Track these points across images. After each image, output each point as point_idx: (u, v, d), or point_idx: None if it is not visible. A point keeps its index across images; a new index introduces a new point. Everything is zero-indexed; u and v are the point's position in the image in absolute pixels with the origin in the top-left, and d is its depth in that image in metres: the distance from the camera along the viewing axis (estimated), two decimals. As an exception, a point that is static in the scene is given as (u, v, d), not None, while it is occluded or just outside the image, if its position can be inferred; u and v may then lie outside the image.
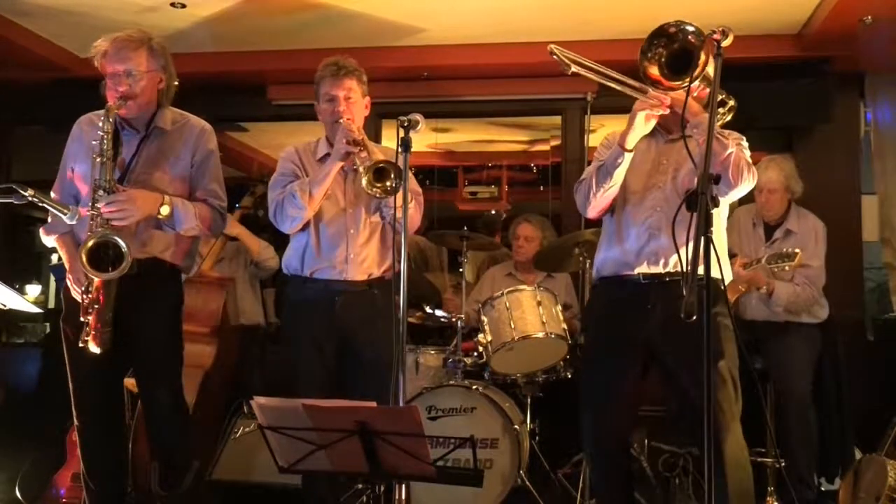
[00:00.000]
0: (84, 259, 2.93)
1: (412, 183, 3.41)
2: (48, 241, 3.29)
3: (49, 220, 3.28)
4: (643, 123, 2.94)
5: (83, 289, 3.04)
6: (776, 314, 4.22)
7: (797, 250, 3.83)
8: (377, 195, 3.07)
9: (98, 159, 3.03)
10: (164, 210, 3.11)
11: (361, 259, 3.34)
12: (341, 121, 3.28)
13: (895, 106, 5.41)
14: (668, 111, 2.91)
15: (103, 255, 2.96)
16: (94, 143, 3.04)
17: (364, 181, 3.04)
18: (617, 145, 2.99)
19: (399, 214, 3.28)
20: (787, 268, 3.85)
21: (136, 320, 3.17)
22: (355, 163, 3.14)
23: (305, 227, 3.37)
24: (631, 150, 2.97)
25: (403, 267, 2.85)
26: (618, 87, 2.91)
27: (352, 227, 3.35)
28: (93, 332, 3.03)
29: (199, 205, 3.25)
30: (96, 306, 3.01)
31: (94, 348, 3.04)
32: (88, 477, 3.23)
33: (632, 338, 3.02)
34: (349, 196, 3.39)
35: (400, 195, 2.96)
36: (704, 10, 4.09)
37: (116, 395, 3.35)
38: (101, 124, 3.04)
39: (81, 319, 3.04)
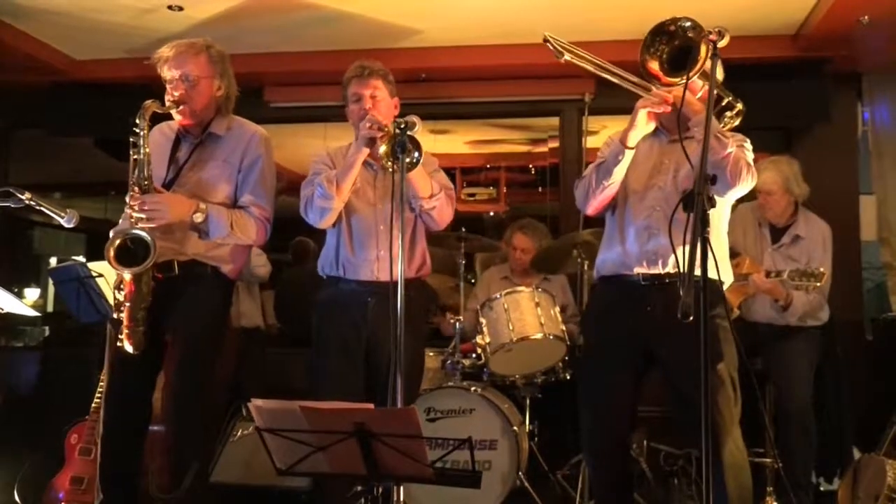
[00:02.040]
0: (111, 256, 2.94)
1: (442, 177, 3.42)
2: None
3: (119, 223, 3.26)
4: (645, 121, 2.94)
5: (116, 285, 3.05)
6: (780, 318, 4.19)
7: (822, 269, 3.78)
8: (393, 169, 3.02)
9: (134, 157, 3.04)
10: (198, 217, 3.11)
11: (393, 257, 3.32)
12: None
13: (893, 106, 5.42)
14: (670, 109, 2.90)
15: (133, 253, 2.97)
16: (131, 139, 3.05)
17: (381, 151, 3.02)
18: (618, 142, 2.99)
19: (427, 206, 3.28)
20: (811, 287, 3.82)
21: (172, 321, 3.16)
22: (384, 165, 3.09)
23: (337, 225, 3.37)
24: (632, 148, 2.97)
25: (401, 268, 2.85)
26: (615, 81, 2.90)
27: (382, 224, 3.34)
28: (126, 331, 3.04)
29: (238, 213, 3.23)
30: (127, 304, 3.01)
31: (129, 347, 3.04)
32: (102, 484, 3.22)
33: (631, 339, 3.02)
34: (379, 192, 3.38)
35: (420, 181, 2.98)
36: (702, 11, 4.06)
37: (146, 407, 3.29)
38: (138, 122, 3.05)
39: (114, 316, 3.05)
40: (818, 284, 3.77)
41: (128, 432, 3.25)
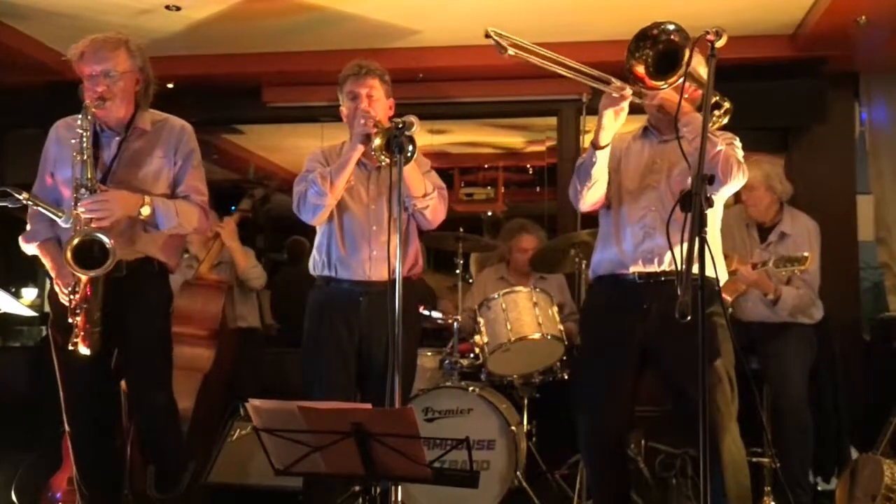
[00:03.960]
0: (69, 258, 2.93)
1: (435, 177, 3.43)
2: (29, 248, 3.27)
3: (28, 227, 3.27)
4: (613, 119, 2.94)
5: (69, 290, 3.03)
6: (773, 315, 4.21)
7: (806, 254, 3.82)
8: (387, 163, 3.00)
9: (78, 157, 3.03)
10: (145, 210, 3.12)
11: (385, 256, 3.31)
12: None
13: (890, 106, 5.42)
14: (628, 99, 2.89)
15: (88, 254, 2.97)
16: (73, 141, 3.04)
17: (376, 143, 3.01)
18: (590, 144, 3.01)
19: (420, 205, 3.29)
20: (796, 271, 3.85)
21: (127, 321, 3.17)
22: (377, 158, 3.07)
23: (329, 223, 3.37)
24: (604, 148, 2.98)
25: (399, 267, 2.85)
26: (569, 75, 2.87)
27: (375, 224, 3.34)
28: (82, 334, 3.03)
29: (181, 202, 3.25)
30: (84, 306, 3.01)
31: (83, 350, 3.03)
32: (82, 483, 3.22)
33: (627, 338, 3.03)
34: (372, 193, 3.38)
35: (413, 179, 3.00)
36: (699, 11, 4.09)
37: (108, 400, 3.33)
38: (79, 123, 3.04)
39: (69, 321, 3.04)
40: (803, 268, 3.79)
41: (99, 435, 3.28)
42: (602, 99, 2.93)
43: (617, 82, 2.87)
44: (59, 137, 3.28)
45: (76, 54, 3.15)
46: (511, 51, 2.78)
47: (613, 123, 2.95)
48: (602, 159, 3.00)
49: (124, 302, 3.14)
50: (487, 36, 2.77)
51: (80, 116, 3.09)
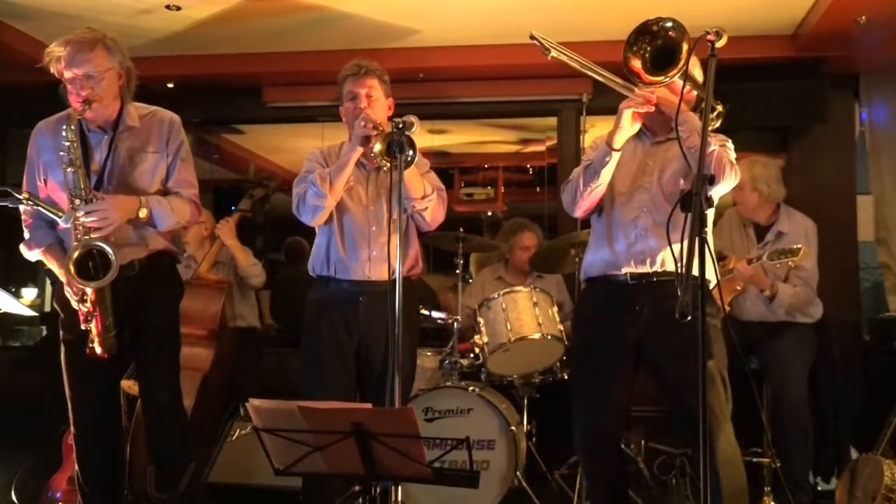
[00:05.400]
0: (72, 270, 2.91)
1: (434, 178, 3.42)
2: (32, 255, 3.23)
3: (28, 234, 3.23)
4: (630, 122, 2.95)
5: (79, 298, 3.02)
6: (771, 315, 4.21)
7: (799, 245, 3.82)
8: (387, 168, 2.99)
9: (69, 169, 2.98)
10: (143, 213, 3.10)
11: (385, 257, 3.31)
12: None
13: (890, 106, 5.43)
14: (653, 109, 2.91)
15: (91, 263, 2.95)
16: (61, 153, 3.00)
17: (377, 149, 3.00)
18: (605, 144, 3.00)
19: (419, 206, 3.29)
20: (790, 263, 3.85)
21: (143, 319, 3.17)
22: (378, 162, 3.06)
23: (328, 224, 3.37)
24: (618, 150, 2.98)
25: (399, 268, 2.85)
26: (600, 80, 2.91)
27: (374, 225, 3.34)
28: (98, 340, 3.02)
29: (174, 198, 3.23)
30: (95, 314, 3.00)
31: (99, 351, 3.04)
32: (83, 482, 3.22)
33: (621, 338, 3.02)
34: (371, 194, 3.38)
35: (412, 181, 2.96)
36: (699, 11, 4.10)
37: (113, 400, 3.34)
38: (64, 133, 2.99)
39: (83, 328, 3.03)
40: (796, 259, 3.78)
41: (103, 434, 3.27)
42: (624, 100, 2.94)
43: (641, 91, 2.88)
44: (45, 141, 3.21)
45: (53, 58, 3.07)
46: (553, 52, 2.83)
47: (630, 126, 2.96)
48: (614, 161, 3.00)
49: (140, 298, 3.15)
50: (532, 38, 2.79)
51: (61, 116, 3.06)
